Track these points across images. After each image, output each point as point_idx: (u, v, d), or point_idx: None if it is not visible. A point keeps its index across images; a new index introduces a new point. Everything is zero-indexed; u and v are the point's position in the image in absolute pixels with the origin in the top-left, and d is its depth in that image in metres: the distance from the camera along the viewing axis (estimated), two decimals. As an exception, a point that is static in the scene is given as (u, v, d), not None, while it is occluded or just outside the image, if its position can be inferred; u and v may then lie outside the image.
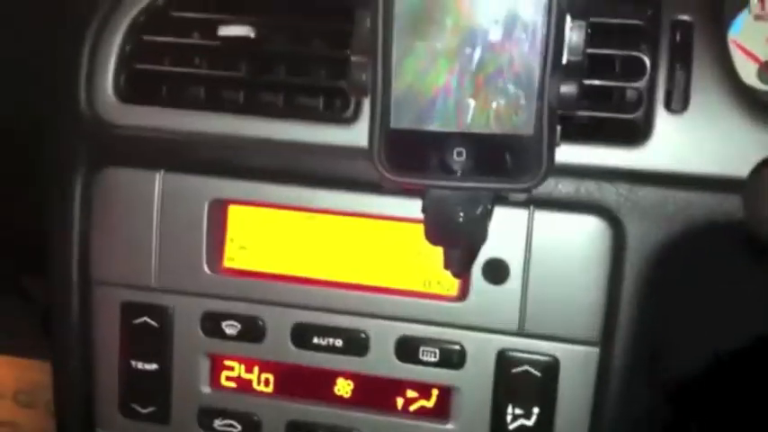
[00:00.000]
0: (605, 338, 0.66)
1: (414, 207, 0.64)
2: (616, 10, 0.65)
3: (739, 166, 0.63)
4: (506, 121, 0.52)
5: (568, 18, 0.50)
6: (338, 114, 0.69)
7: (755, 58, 0.71)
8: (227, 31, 0.69)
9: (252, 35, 0.69)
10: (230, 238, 0.71)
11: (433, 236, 0.57)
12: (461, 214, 0.55)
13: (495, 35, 0.50)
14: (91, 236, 0.73)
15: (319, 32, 0.70)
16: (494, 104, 0.51)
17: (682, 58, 0.64)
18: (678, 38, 0.64)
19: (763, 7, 0.71)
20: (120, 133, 0.71)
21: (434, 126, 0.52)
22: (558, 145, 0.53)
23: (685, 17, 0.64)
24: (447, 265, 0.59)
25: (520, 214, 0.65)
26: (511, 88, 0.51)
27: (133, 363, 0.73)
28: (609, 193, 0.65)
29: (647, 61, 0.64)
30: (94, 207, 0.72)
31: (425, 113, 0.52)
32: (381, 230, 0.69)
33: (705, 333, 0.72)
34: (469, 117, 0.52)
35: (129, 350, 0.73)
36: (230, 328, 0.71)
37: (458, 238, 0.57)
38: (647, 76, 0.64)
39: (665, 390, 0.73)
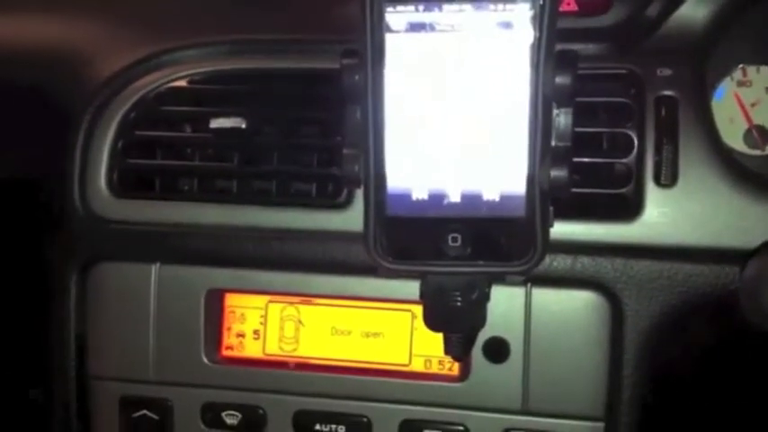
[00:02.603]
0: (609, 413, 0.66)
1: (410, 288, 0.65)
2: (602, 89, 0.66)
3: (731, 236, 0.63)
4: (499, 206, 0.52)
5: (555, 105, 0.51)
6: (331, 200, 0.69)
7: (740, 123, 0.72)
8: (218, 123, 0.70)
9: (243, 126, 0.70)
10: (227, 327, 0.71)
11: (432, 322, 0.58)
12: (459, 299, 0.56)
13: (486, 123, 0.51)
14: (87, 331, 0.72)
15: (309, 120, 0.71)
16: (486, 190, 0.52)
17: (668, 133, 0.65)
18: (663, 113, 0.65)
19: (744, 74, 0.72)
20: (114, 228, 0.72)
21: (428, 213, 0.53)
22: (551, 225, 0.54)
23: (669, 93, 0.66)
24: (447, 350, 0.59)
25: (517, 292, 0.66)
26: (503, 174, 0.52)
27: None
28: (604, 267, 0.65)
29: (635, 137, 0.65)
30: (90, 302, 0.72)
31: (419, 201, 0.53)
32: (379, 312, 0.69)
33: (705, 402, 0.72)
34: (463, 202, 0.53)
35: (129, 445, 0.72)
36: (231, 418, 0.70)
37: (457, 323, 0.57)
38: (634, 152, 0.65)
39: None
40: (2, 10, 0.82)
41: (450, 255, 0.54)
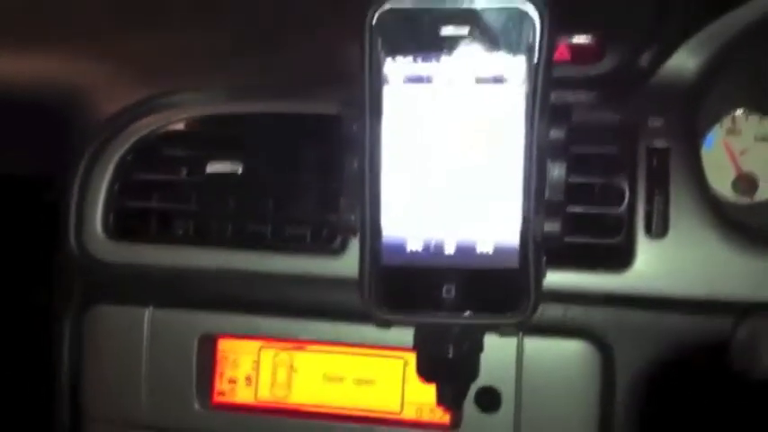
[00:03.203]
0: None
1: (403, 335, 0.65)
2: (593, 139, 0.67)
3: (722, 288, 0.64)
4: (493, 258, 0.53)
5: (549, 158, 0.52)
6: (326, 245, 0.69)
7: (729, 171, 0.73)
8: (214, 168, 0.70)
9: (239, 171, 0.70)
10: (220, 373, 0.71)
11: (425, 371, 0.58)
12: (452, 350, 0.56)
13: (481, 175, 0.52)
14: (82, 373, 0.72)
15: (306, 165, 0.71)
16: (481, 241, 0.53)
17: (659, 184, 0.65)
18: (655, 164, 0.66)
19: (734, 122, 0.73)
20: (109, 271, 0.72)
21: (423, 263, 0.53)
22: (544, 276, 0.55)
23: (661, 144, 0.66)
24: (440, 401, 0.59)
25: (509, 342, 0.66)
26: (497, 226, 0.52)
27: None
28: (595, 317, 0.65)
29: (626, 188, 0.66)
30: (85, 344, 0.72)
31: (414, 251, 0.53)
32: (372, 359, 0.69)
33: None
34: (458, 254, 0.53)
35: (122, 488, 0.72)
36: None
37: (449, 374, 0.58)
38: (625, 202, 0.66)
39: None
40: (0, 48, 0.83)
41: (445, 305, 0.54)
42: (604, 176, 0.66)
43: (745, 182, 0.73)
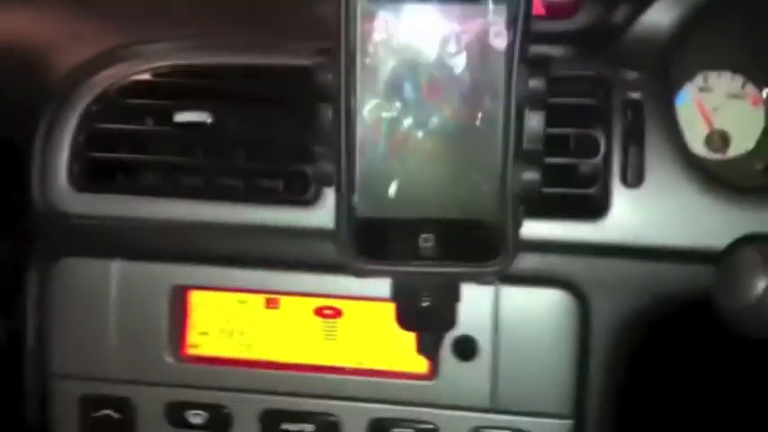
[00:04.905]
0: (577, 411, 0.67)
1: (379, 286, 0.65)
2: (570, 91, 0.67)
3: (696, 236, 0.65)
4: (471, 208, 0.53)
5: (527, 108, 0.52)
6: (299, 196, 0.69)
7: (701, 128, 0.74)
8: (183, 117, 0.69)
9: (209, 120, 0.69)
10: (192, 325, 0.70)
11: (404, 321, 0.58)
12: (430, 299, 0.56)
13: (458, 125, 0.51)
14: (47, 328, 0.71)
15: (277, 117, 0.70)
16: (459, 192, 0.52)
17: (634, 136, 0.66)
18: (630, 116, 0.66)
19: (706, 80, 0.74)
20: (75, 223, 0.70)
21: (400, 214, 0.53)
22: (521, 226, 0.55)
23: (636, 96, 0.67)
24: (419, 349, 0.60)
25: (486, 291, 0.66)
26: (475, 176, 0.52)
27: None
28: (572, 266, 0.66)
29: (602, 139, 0.66)
30: (51, 299, 0.71)
31: (392, 201, 0.53)
32: (347, 311, 0.69)
33: (675, 402, 0.73)
34: (436, 204, 0.53)
35: (90, 444, 0.71)
36: (196, 417, 0.70)
37: (428, 323, 0.58)
38: (601, 153, 0.66)
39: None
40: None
41: (422, 255, 0.54)
42: (580, 127, 0.67)
43: (718, 138, 0.74)
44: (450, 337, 0.66)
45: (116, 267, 0.69)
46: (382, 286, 0.64)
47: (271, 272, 0.69)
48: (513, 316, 0.66)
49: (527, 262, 0.66)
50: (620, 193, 0.65)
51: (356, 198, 0.52)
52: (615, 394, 0.67)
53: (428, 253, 0.54)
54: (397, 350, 0.69)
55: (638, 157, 0.65)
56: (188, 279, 0.69)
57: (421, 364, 0.68)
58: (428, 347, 0.60)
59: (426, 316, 0.57)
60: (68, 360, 0.71)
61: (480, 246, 0.54)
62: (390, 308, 0.64)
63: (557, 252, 0.66)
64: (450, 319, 0.58)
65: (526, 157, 0.52)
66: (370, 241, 0.54)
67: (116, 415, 0.70)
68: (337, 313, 0.69)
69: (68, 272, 0.70)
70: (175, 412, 0.70)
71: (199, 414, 0.69)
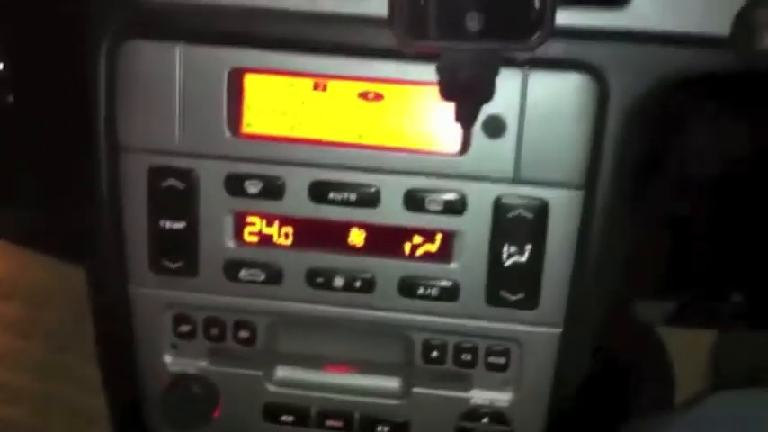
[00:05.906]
0: (589, 182, 0.75)
1: (418, 71, 0.72)
2: None
3: (714, 24, 0.69)
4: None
5: None
6: None
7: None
8: None
9: None
10: (247, 105, 0.77)
11: (448, 91, 0.66)
12: (473, 72, 0.64)
13: None
14: (117, 106, 0.77)
15: None
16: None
17: None
18: None
19: None
20: (142, 7, 0.75)
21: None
22: (557, 6, 0.62)
23: None
24: (458, 118, 0.68)
25: (516, 74, 0.73)
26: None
27: (161, 222, 0.79)
28: (594, 51, 0.72)
29: None
30: (119, 78, 0.76)
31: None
32: (387, 95, 0.75)
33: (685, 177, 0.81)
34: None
35: (157, 211, 0.79)
36: (252, 186, 0.77)
37: (470, 94, 0.66)
38: None
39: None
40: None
41: (468, 32, 0.62)
42: None
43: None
44: (481, 117, 0.72)
45: (179, 50, 0.75)
46: (421, 71, 0.72)
47: (322, 56, 0.74)
48: (539, 97, 0.73)
49: (553, 48, 0.71)
50: None
51: None
52: (624, 167, 0.74)
53: (473, 31, 0.62)
54: (431, 131, 0.76)
55: None
56: (245, 62, 0.75)
57: (453, 144, 0.76)
58: (465, 117, 0.68)
59: (468, 86, 0.65)
60: (137, 135, 0.78)
61: (521, 24, 0.62)
62: (427, 92, 0.72)
63: (581, 38, 0.71)
64: (488, 90, 0.66)
65: None
66: (420, 21, 0.62)
67: (181, 185, 0.78)
68: (379, 97, 0.76)
69: (135, 53, 0.76)
70: (234, 182, 0.77)
71: (255, 184, 0.77)
